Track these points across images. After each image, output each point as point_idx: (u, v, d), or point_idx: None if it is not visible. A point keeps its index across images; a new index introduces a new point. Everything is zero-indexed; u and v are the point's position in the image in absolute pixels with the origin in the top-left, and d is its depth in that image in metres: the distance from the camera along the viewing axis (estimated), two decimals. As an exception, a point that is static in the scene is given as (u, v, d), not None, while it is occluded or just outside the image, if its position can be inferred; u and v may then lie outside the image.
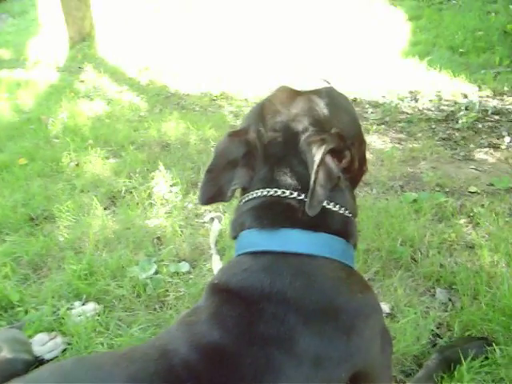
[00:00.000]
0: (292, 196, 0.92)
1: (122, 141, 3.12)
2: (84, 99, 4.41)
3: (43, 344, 1.42)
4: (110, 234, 2.04)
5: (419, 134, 3.15)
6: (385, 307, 1.53)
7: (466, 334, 1.44)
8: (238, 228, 0.98)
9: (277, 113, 1.01)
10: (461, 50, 5.18)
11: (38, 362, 1.34)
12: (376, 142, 3.05)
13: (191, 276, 1.77)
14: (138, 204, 2.28)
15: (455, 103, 3.68)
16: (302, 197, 0.91)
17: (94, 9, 7.32)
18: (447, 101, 3.79)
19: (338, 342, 0.83)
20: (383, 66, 4.92)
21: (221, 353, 0.80)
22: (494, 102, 3.65)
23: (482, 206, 2.13)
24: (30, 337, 1.46)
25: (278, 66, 5.09)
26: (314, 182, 0.85)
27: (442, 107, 3.65)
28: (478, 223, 1.99)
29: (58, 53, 6.76)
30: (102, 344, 1.45)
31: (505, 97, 3.80)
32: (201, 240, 1.98)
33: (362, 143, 1.10)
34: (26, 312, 1.61)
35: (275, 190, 0.93)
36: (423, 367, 1.30)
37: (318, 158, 0.86)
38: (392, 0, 7.21)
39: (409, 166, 2.63)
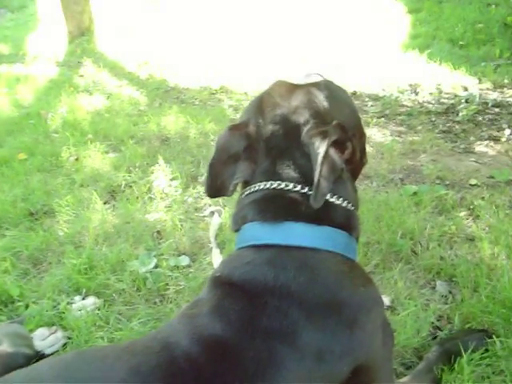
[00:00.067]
0: (295, 189, 0.91)
1: (121, 135, 3.12)
2: (83, 94, 4.41)
3: (44, 338, 1.43)
4: (110, 228, 2.04)
5: (419, 127, 3.14)
6: (385, 300, 1.53)
7: (467, 326, 1.43)
8: (239, 221, 0.98)
9: (276, 106, 1.01)
10: (461, 43, 5.14)
11: (39, 356, 1.34)
12: (376, 135, 3.04)
13: (191, 270, 1.77)
14: (137, 198, 2.28)
15: (455, 96, 3.66)
16: (306, 190, 0.91)
17: (92, 3, 7.29)
18: (447, 93, 3.76)
19: (340, 335, 0.83)
20: (383, 59, 4.89)
21: (223, 346, 0.80)
22: (494, 95, 3.63)
23: (483, 198, 2.12)
24: (31, 331, 1.46)
25: (277, 59, 5.07)
26: (319, 174, 0.84)
27: (442, 100, 3.63)
28: (479, 216, 1.99)
29: (57, 47, 6.75)
30: (103, 338, 1.45)
31: (505, 89, 3.77)
32: (201, 234, 1.98)
33: (362, 135, 1.10)
34: (27, 307, 1.61)
35: (278, 182, 0.93)
36: (423, 360, 1.30)
37: (322, 150, 0.86)
38: (392, -8, 7.16)
39: (409, 159, 2.62)
